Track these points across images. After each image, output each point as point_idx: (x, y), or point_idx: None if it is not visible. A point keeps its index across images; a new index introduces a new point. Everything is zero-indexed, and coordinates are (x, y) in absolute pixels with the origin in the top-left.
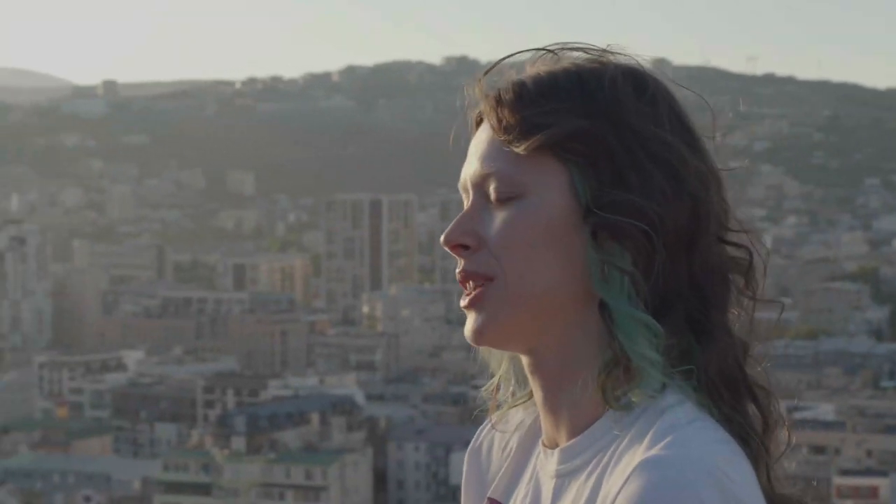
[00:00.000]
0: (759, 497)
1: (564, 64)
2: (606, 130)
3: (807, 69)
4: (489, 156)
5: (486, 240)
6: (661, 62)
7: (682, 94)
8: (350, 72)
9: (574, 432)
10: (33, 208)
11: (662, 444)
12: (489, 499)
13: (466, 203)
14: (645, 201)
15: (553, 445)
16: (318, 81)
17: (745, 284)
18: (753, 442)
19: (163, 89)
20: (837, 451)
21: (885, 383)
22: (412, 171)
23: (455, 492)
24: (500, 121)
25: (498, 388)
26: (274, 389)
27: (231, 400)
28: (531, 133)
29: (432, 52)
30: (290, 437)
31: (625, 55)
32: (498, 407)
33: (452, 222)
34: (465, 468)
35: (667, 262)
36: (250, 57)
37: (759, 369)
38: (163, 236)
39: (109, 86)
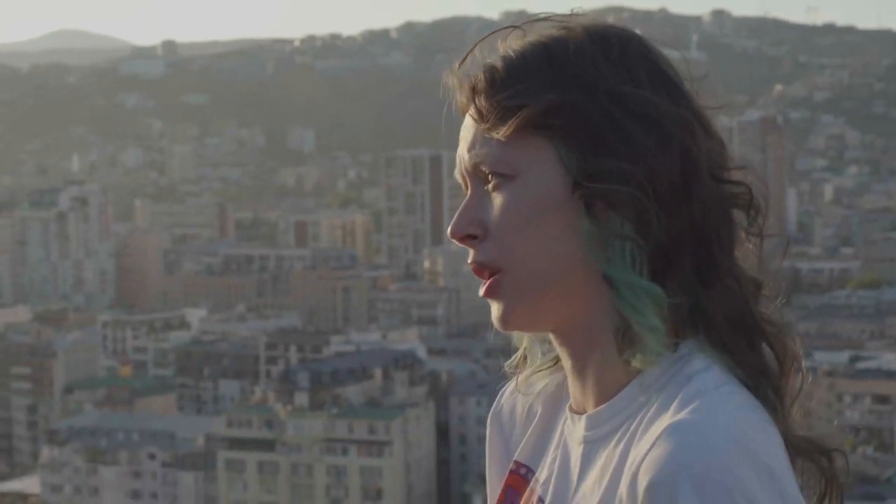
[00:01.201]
0: (785, 462)
1: (532, 38)
2: (580, 98)
3: (867, 18)
4: (475, 143)
5: (489, 227)
6: (720, 14)
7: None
8: (408, 28)
9: (602, 399)
10: (94, 169)
11: (689, 409)
12: (516, 461)
13: (465, 191)
14: (630, 164)
15: (581, 411)
16: (376, 38)
17: (749, 221)
18: (768, 387)
19: (221, 48)
20: None
21: None
22: None
23: None
24: (478, 109)
25: (522, 360)
26: (336, 345)
27: (294, 356)
28: (507, 116)
29: (490, 7)
30: (353, 393)
31: (590, 15)
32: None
33: (456, 214)
34: (487, 432)
35: (666, 217)
36: (309, 14)
37: (773, 307)
38: (224, 195)
39: (168, 46)
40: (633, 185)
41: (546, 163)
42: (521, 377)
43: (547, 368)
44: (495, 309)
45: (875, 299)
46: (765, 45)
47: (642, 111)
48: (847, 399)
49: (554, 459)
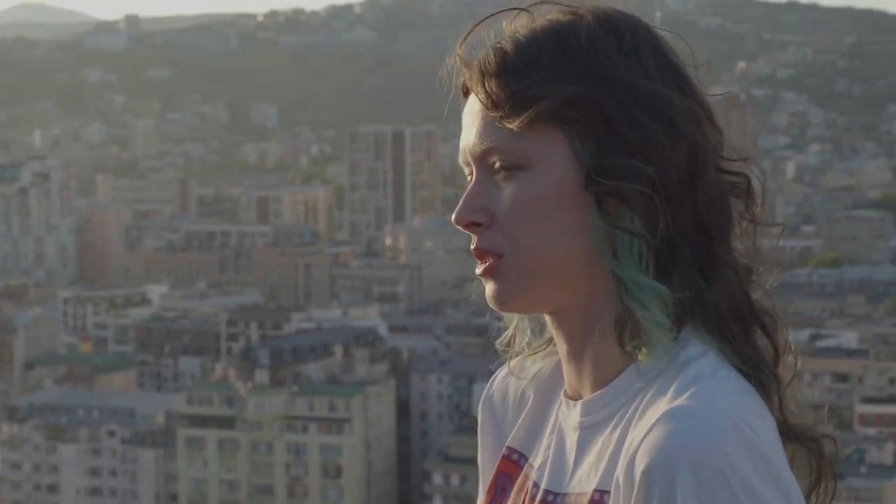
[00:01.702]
0: (780, 448)
1: (541, 22)
2: (597, 91)
3: None
4: (486, 129)
5: (496, 215)
6: None
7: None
8: (372, 3)
9: (598, 385)
10: (57, 144)
11: (686, 394)
12: (509, 447)
13: (469, 176)
14: (643, 161)
15: (576, 397)
16: (340, 13)
17: (745, 208)
18: (764, 373)
19: (185, 23)
20: (860, 379)
21: None
22: (435, 102)
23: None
24: (488, 95)
25: (513, 338)
26: (297, 322)
27: (254, 333)
28: (523, 107)
29: None
30: (314, 370)
31: (596, 4)
32: (516, 356)
33: (461, 200)
34: (479, 417)
35: (672, 211)
36: None
37: (763, 293)
38: (186, 170)
39: (131, 20)
40: (645, 182)
41: (559, 155)
42: (513, 361)
43: (541, 351)
44: (492, 289)
45: (836, 278)
46: (728, 22)
47: (655, 105)
48: (807, 377)
49: (549, 445)
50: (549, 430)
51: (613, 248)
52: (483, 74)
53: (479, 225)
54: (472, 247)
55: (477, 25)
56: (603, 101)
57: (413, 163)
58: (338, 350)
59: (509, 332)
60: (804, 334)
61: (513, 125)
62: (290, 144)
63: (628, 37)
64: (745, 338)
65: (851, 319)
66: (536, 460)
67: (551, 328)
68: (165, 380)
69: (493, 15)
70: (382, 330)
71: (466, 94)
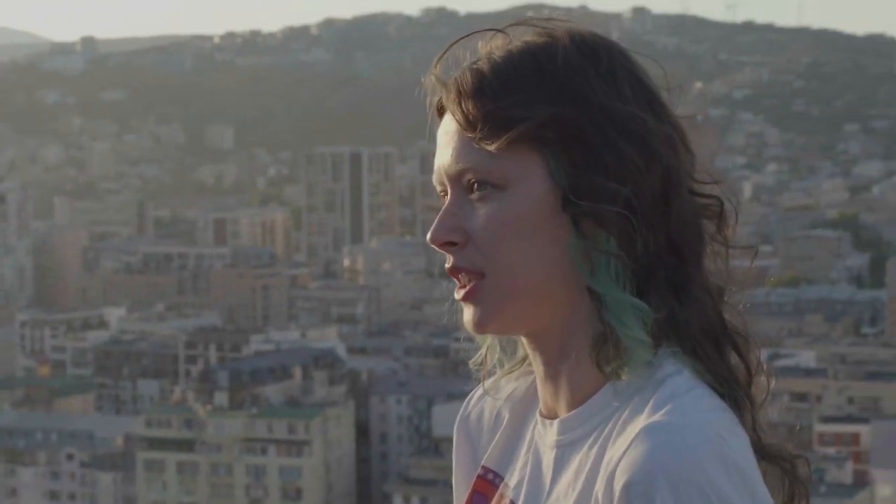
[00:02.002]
0: (754, 463)
1: (517, 43)
2: (573, 113)
3: (786, 16)
4: (462, 150)
5: (471, 235)
6: (640, 11)
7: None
8: (329, 24)
9: (574, 403)
10: (13, 166)
11: (663, 411)
12: (484, 467)
13: (443, 196)
14: (619, 183)
15: (552, 416)
16: (296, 35)
17: (717, 230)
18: (738, 393)
19: (141, 45)
20: (819, 399)
21: (865, 330)
22: (392, 123)
23: (438, 444)
24: (465, 115)
25: (486, 357)
26: (256, 344)
27: (213, 355)
28: (501, 129)
29: (411, 4)
30: (273, 392)
31: (570, 23)
32: (489, 375)
33: (436, 220)
34: (454, 438)
35: (647, 232)
36: (229, 11)
37: (735, 314)
38: (143, 192)
39: (88, 42)
40: (621, 204)
41: (536, 176)
42: (488, 381)
43: (515, 370)
44: (470, 313)
45: (794, 297)
46: (685, 42)
47: (631, 128)
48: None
49: (525, 464)
50: (524, 449)
51: (591, 268)
52: (460, 94)
53: (454, 244)
54: (448, 266)
55: (452, 45)
56: (579, 122)
57: (371, 184)
58: (297, 372)
59: (482, 352)
60: (762, 354)
61: (490, 147)
62: (247, 166)
63: (605, 59)
64: (718, 357)
65: (809, 339)
66: (512, 479)
67: (527, 349)
68: (124, 402)
69: (468, 35)
70: (341, 351)
71: (441, 113)
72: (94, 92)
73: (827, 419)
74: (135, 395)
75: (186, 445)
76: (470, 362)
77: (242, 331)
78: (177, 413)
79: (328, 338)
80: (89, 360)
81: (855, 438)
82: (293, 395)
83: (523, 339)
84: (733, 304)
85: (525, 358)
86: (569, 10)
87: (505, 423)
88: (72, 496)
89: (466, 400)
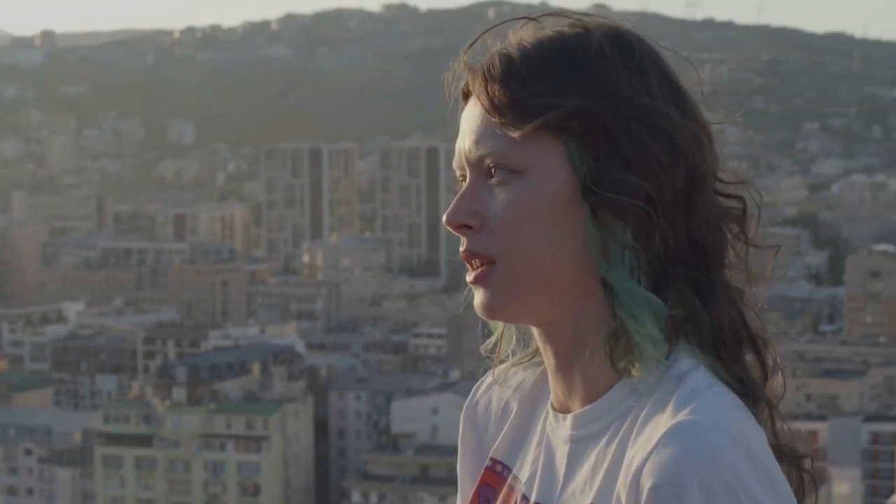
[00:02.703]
0: (774, 460)
1: (548, 32)
2: (601, 105)
3: (746, 14)
4: (485, 134)
5: (488, 219)
6: (601, 8)
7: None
8: (289, 20)
9: (588, 398)
10: None
11: (687, 410)
12: (492, 458)
13: (461, 180)
14: (641, 177)
15: (564, 409)
16: (257, 30)
17: (739, 230)
18: (755, 391)
19: (101, 39)
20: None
21: (824, 327)
22: (352, 119)
23: (396, 440)
24: (491, 100)
25: (499, 345)
26: (214, 339)
27: (172, 350)
28: (527, 116)
29: (372, 0)
30: (231, 388)
31: (606, 18)
32: (500, 363)
33: (453, 202)
34: (461, 426)
35: (667, 229)
36: (189, 5)
37: (753, 315)
38: (102, 187)
39: (47, 36)
40: (642, 198)
41: (556, 163)
42: (498, 369)
43: (526, 361)
44: (481, 296)
45: (756, 297)
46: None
47: (658, 124)
48: None
49: (536, 457)
50: (534, 443)
51: (606, 260)
52: (486, 78)
53: (469, 228)
54: (462, 249)
55: (485, 33)
56: (605, 115)
57: (330, 180)
58: (255, 367)
59: (494, 338)
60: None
61: (514, 134)
62: (207, 161)
63: (636, 55)
64: (736, 357)
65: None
66: (523, 473)
67: (539, 341)
68: (82, 398)
69: (500, 24)
70: (300, 347)
71: (466, 98)
72: (53, 86)
73: (784, 416)
74: (93, 391)
75: (145, 441)
76: (481, 348)
77: (201, 326)
78: (135, 408)
79: (287, 333)
80: (47, 355)
81: (813, 436)
82: (252, 390)
83: (534, 330)
84: (752, 305)
85: (536, 350)
86: (529, 6)
87: (513, 414)
88: (30, 491)
89: (474, 388)
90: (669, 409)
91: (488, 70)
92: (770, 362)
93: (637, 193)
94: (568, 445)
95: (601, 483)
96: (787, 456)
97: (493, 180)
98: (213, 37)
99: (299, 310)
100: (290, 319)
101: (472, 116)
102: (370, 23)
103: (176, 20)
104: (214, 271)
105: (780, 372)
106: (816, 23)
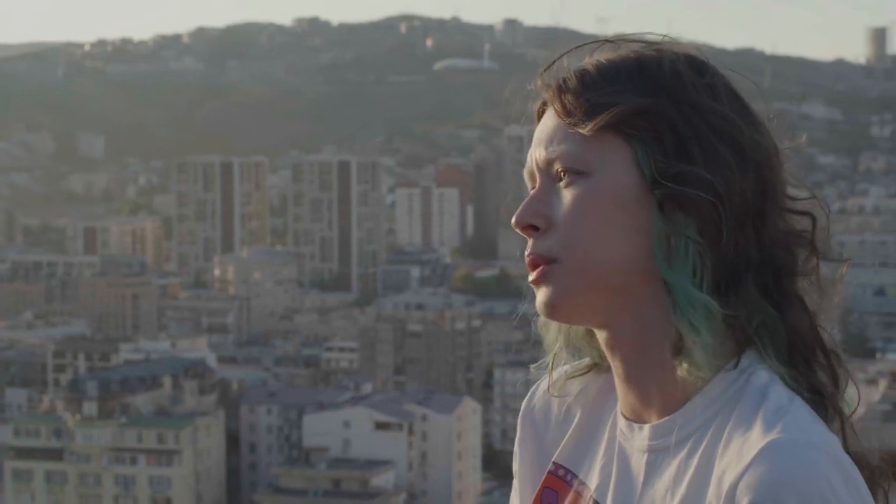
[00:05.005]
0: (860, 474)
1: (623, 52)
2: (668, 106)
3: (658, 29)
4: (554, 139)
5: (554, 221)
6: (512, 23)
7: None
8: (200, 33)
9: (666, 409)
10: None
11: (779, 426)
12: (555, 463)
13: (532, 187)
14: (711, 173)
15: (637, 418)
16: (168, 43)
17: (812, 251)
18: (829, 403)
19: (11, 51)
20: None
21: None
22: (264, 133)
23: (308, 454)
24: (564, 106)
25: (552, 363)
26: (125, 353)
27: (82, 364)
28: (595, 113)
29: (283, 14)
30: (142, 402)
31: (683, 44)
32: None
33: (523, 203)
34: (519, 430)
35: (736, 231)
36: (100, 18)
37: (827, 333)
38: (12, 200)
39: None
40: (711, 192)
41: (621, 164)
42: (554, 381)
43: (581, 375)
44: (543, 295)
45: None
46: (555, 55)
47: (726, 129)
48: None
49: (606, 465)
50: (602, 450)
51: (671, 257)
52: (561, 90)
53: (536, 229)
54: (527, 252)
55: (562, 55)
56: (672, 114)
57: (242, 193)
58: (166, 381)
59: (549, 358)
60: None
61: (584, 130)
62: (118, 174)
63: (708, 75)
64: (810, 366)
65: None
66: (591, 479)
67: (605, 347)
68: None
69: (578, 47)
70: (211, 361)
71: (539, 116)
72: None
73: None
74: (2, 404)
75: (55, 455)
76: (532, 367)
77: (112, 340)
78: (45, 422)
79: (198, 347)
80: None
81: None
82: (163, 404)
83: (599, 336)
84: (824, 324)
85: (591, 366)
86: (441, 22)
87: (577, 420)
88: None
89: (531, 392)
90: (758, 424)
91: (564, 82)
92: (842, 375)
93: (705, 186)
94: (646, 455)
95: (685, 493)
96: (861, 466)
97: (561, 183)
98: (123, 50)
99: (210, 324)
100: (201, 333)
101: (545, 127)
102: (281, 36)
103: (86, 33)
104: (125, 285)
105: (854, 384)
106: (727, 38)
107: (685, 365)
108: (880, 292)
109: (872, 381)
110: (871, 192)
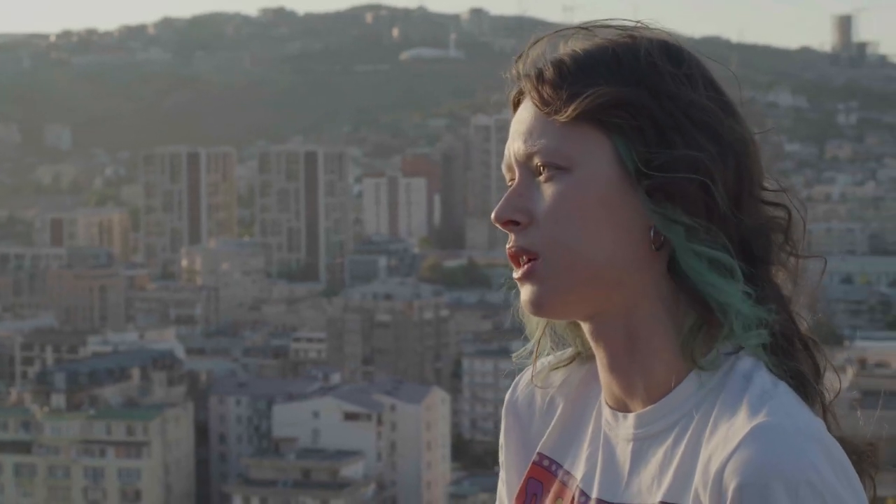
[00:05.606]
0: (847, 458)
1: (598, 41)
2: (645, 96)
3: (624, 16)
4: (532, 133)
5: (535, 216)
6: (478, 12)
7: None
8: (167, 24)
9: (651, 397)
10: None
11: (765, 411)
12: (540, 454)
13: (510, 182)
14: (692, 167)
15: (621, 407)
16: (134, 34)
17: (785, 241)
18: (812, 388)
19: None
20: None
21: None
22: (230, 123)
23: (278, 444)
24: (541, 96)
25: (535, 353)
26: (93, 345)
27: (50, 356)
28: (571, 102)
29: (249, 4)
30: (111, 393)
31: (656, 30)
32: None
33: (502, 199)
34: (503, 422)
35: (718, 221)
36: (64, 9)
37: (804, 320)
38: None
39: None
40: (701, 175)
41: (602, 158)
42: (537, 372)
43: (565, 366)
44: (529, 292)
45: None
46: (522, 43)
47: (703, 119)
48: None
49: (591, 455)
50: (587, 440)
51: (670, 253)
52: (538, 80)
53: (517, 224)
54: (508, 246)
55: (536, 42)
56: (650, 104)
57: (209, 184)
58: (135, 373)
59: (529, 346)
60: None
61: (561, 118)
62: (85, 166)
63: (685, 63)
64: (790, 353)
65: None
66: (577, 469)
67: (590, 338)
68: None
69: (552, 34)
70: (180, 352)
71: (515, 105)
72: None
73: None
74: None
75: (23, 447)
76: (514, 356)
77: (80, 332)
78: (13, 415)
79: (166, 339)
80: None
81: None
82: (131, 396)
83: (584, 327)
84: (801, 312)
85: (574, 356)
86: (407, 11)
87: (560, 410)
88: None
89: (514, 383)
90: (744, 409)
91: (540, 73)
92: (822, 360)
93: (693, 169)
94: (631, 444)
95: (672, 481)
96: (849, 450)
97: (541, 177)
98: (89, 41)
99: (178, 315)
100: (169, 324)
101: (520, 121)
102: (247, 26)
103: (52, 24)
104: (93, 277)
105: (833, 369)
106: (693, 26)
107: (730, 332)
108: (847, 280)
109: (841, 369)
110: (837, 179)
